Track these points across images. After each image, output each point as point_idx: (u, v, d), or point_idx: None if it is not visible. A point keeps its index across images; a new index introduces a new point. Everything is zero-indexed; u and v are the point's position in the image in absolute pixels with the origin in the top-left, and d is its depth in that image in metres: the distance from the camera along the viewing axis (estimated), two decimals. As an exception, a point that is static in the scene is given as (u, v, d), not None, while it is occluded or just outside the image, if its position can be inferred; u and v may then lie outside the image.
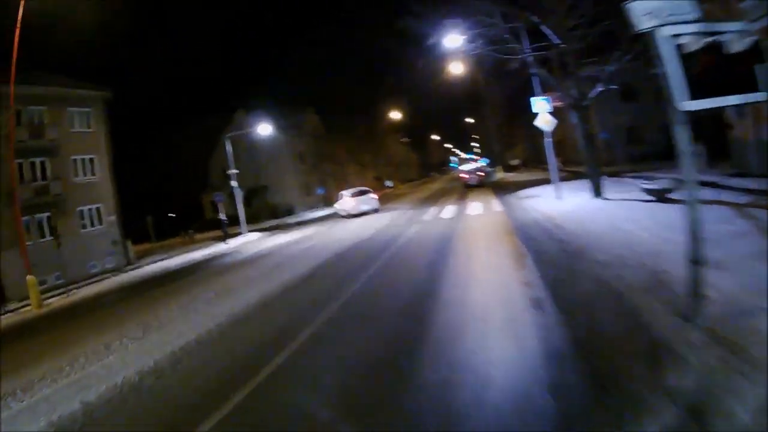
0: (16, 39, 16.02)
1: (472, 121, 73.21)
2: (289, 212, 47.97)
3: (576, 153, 37.41)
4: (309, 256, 13.33)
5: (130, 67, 76.72)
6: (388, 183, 69.04)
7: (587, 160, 14.53)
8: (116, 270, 23.98)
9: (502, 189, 26.35)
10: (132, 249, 27.65)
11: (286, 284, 9.64)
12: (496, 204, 18.26)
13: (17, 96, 22.07)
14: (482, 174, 35.13)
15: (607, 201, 12.71)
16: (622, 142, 31.04)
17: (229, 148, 30.90)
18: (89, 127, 26.12)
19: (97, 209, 25.84)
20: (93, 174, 25.94)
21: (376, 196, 27.55)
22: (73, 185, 24.84)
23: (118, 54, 74.03)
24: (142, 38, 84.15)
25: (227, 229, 27.63)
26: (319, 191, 50.74)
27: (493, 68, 40.25)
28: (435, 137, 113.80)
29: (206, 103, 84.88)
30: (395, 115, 65.07)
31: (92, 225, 25.51)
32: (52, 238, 23.08)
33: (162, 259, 24.81)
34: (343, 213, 26.80)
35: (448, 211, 18.94)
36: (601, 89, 14.05)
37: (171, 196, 52.50)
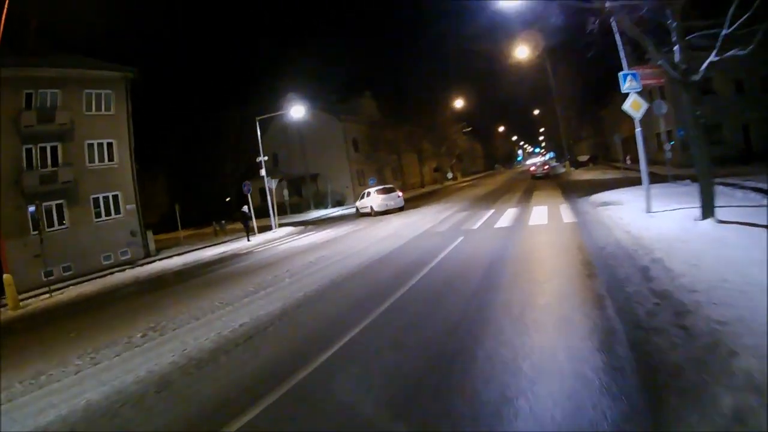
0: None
1: (538, 113, 68.38)
2: (340, 203, 44.90)
3: (651, 150, 32.48)
4: (313, 273, 10.29)
5: (176, 46, 74.62)
6: (449, 175, 64.53)
7: (698, 160, 9.50)
8: (131, 263, 22.26)
9: (571, 189, 22.56)
10: (153, 240, 25.81)
11: (247, 332, 6.45)
12: (565, 211, 14.35)
13: (28, 79, 21.67)
14: (547, 168, 39.99)
15: (724, 225, 8.20)
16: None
17: (258, 131, 28.10)
18: (109, 110, 24.49)
19: (114, 197, 24.28)
20: (111, 159, 24.38)
21: (401, 194, 26.30)
22: (88, 171, 23.41)
23: (161, 33, 73.12)
24: (185, 16, 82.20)
25: (253, 223, 24.97)
26: (371, 182, 46.35)
27: (563, 52, 36.10)
28: (501, 129, 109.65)
29: (256, 87, 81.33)
30: (459, 103, 61.75)
31: (108, 214, 24.01)
32: (62, 227, 22.39)
33: (178, 254, 22.43)
34: (366, 210, 25.86)
35: (506, 217, 14.98)
36: (715, 58, 9.21)
37: (219, 183, 50.07)
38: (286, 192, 37.92)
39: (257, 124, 27.99)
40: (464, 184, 53.30)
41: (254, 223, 25.52)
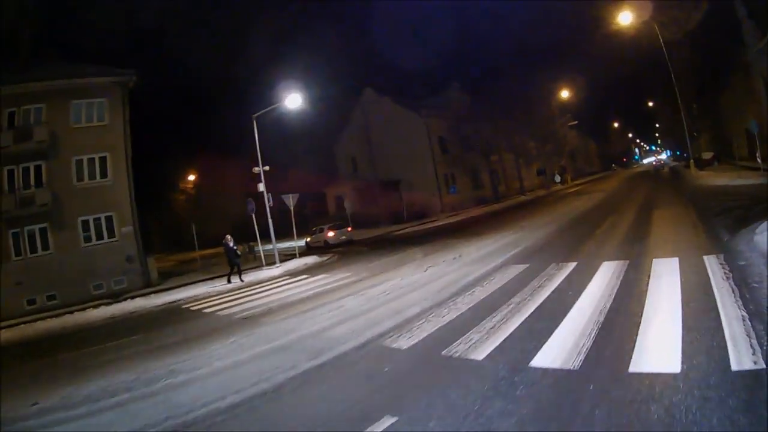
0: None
1: (652, 105, 58.47)
2: (423, 214, 37.44)
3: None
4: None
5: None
6: (557, 178, 52.47)
7: None
8: (126, 292, 20.05)
9: (707, 206, 14.14)
10: (155, 266, 23.23)
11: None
12: (719, 279, 6.45)
13: (9, 97, 19.79)
14: (661, 164, 46.75)
15: None
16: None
17: (256, 133, 21.41)
18: (102, 120, 22.04)
19: (108, 218, 21.71)
20: (104, 176, 21.83)
21: (350, 229, 29.02)
22: (76, 191, 21.15)
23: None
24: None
25: (259, 251, 20.39)
26: (451, 190, 39.92)
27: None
28: (616, 125, 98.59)
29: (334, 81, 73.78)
30: (565, 94, 51.78)
31: (100, 238, 21.58)
32: (47, 252, 20.44)
33: (182, 285, 19.59)
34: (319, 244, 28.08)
35: (599, 281, 7.43)
36: None
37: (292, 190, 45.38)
38: (348, 204, 32.30)
39: (254, 122, 21.42)
40: (572, 189, 43.85)
41: (260, 251, 21.75)
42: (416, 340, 6.09)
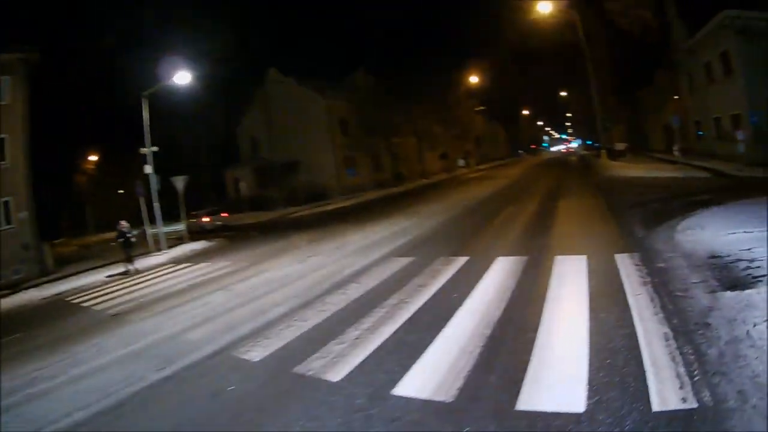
0: None
1: (565, 95, 61.78)
2: (319, 197, 37.39)
3: (699, 139, 26.33)
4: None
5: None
6: (461, 162, 54.75)
7: None
8: (22, 282, 18.79)
9: (620, 197, 13.93)
10: (50, 254, 21.91)
11: None
12: (628, 267, 6.48)
13: None
14: (571, 152, 49.98)
15: None
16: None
17: (146, 113, 20.52)
18: (1, 100, 20.38)
19: (5, 204, 20.24)
20: (2, 159, 20.29)
21: (226, 215, 29.41)
22: None
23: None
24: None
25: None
26: (349, 172, 39.82)
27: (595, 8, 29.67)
28: (526, 112, 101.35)
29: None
30: (474, 79, 52.26)
31: None
32: None
33: (76, 273, 18.77)
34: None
35: (490, 282, 6.82)
36: None
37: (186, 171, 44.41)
38: (243, 185, 33.21)
39: (143, 102, 20.39)
40: (475, 174, 44.80)
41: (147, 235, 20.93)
42: (270, 351, 5.54)
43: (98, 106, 46.57)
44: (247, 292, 9.09)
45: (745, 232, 6.86)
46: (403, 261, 9.15)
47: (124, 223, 16.42)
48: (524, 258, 7.79)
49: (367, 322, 5.82)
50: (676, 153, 24.86)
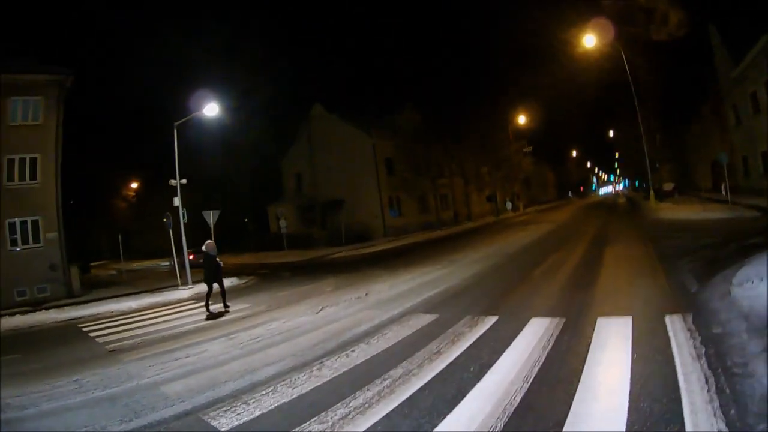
0: None
1: (613, 134, 58.97)
2: (362, 238, 35.83)
3: (749, 177, 24.99)
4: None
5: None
6: (508, 205, 51.45)
7: None
8: (45, 302, 18.92)
9: (670, 244, 12.80)
10: (77, 277, 21.91)
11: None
12: (679, 333, 5.46)
13: None
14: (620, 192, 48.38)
15: None
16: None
17: (175, 143, 20.04)
18: (36, 120, 20.91)
19: (34, 223, 20.53)
20: (34, 178, 20.72)
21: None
22: (6, 191, 20.00)
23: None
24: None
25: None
26: (392, 213, 38.50)
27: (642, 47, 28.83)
28: (574, 154, 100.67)
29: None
30: (524, 120, 51.35)
31: (26, 242, 20.42)
32: None
33: (103, 299, 18.52)
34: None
35: (517, 351, 5.70)
36: None
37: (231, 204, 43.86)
38: (283, 222, 31.64)
39: (175, 131, 20.00)
40: (522, 217, 42.77)
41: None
42: (242, 420, 4.76)
43: (145, 135, 47.45)
44: (248, 343, 8.43)
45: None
46: (426, 319, 8.25)
47: (210, 243, 12.73)
48: (561, 319, 6.82)
49: (360, 398, 4.89)
50: (724, 192, 23.38)
